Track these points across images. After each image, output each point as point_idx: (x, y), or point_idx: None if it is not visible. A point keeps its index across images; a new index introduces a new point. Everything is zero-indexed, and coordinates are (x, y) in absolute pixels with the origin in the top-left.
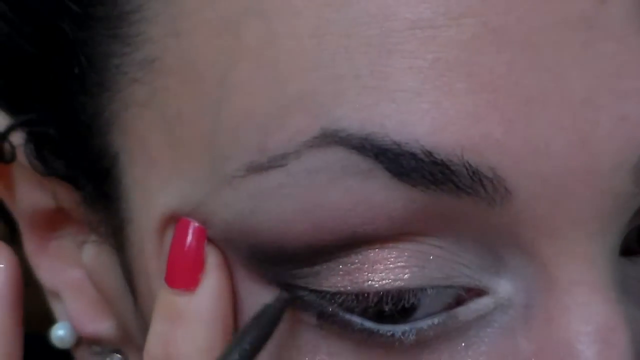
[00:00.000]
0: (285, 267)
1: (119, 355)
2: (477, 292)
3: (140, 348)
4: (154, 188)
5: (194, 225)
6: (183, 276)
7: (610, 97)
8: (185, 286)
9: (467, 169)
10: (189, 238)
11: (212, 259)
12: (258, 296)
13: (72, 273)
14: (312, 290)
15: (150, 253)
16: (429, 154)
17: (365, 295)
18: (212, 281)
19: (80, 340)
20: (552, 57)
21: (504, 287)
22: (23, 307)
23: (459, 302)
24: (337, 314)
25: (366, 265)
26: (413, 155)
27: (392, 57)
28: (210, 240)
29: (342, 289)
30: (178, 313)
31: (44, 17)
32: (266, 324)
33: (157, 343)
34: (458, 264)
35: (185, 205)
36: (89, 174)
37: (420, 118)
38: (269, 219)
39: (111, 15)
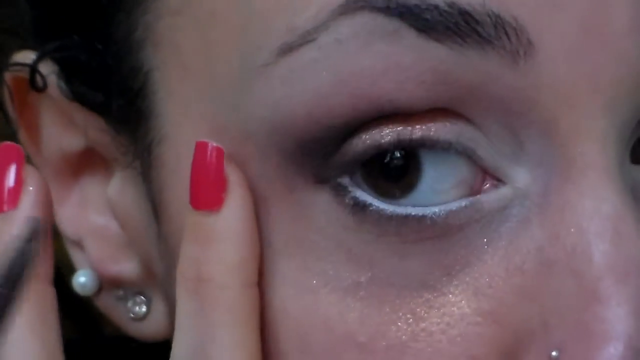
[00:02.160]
0: (330, 152)
1: (142, 297)
2: (496, 178)
3: (163, 284)
4: (190, 99)
5: (211, 145)
6: (207, 197)
7: None
8: (209, 207)
9: (490, 17)
10: (209, 159)
11: (234, 177)
12: (309, 202)
13: (96, 219)
14: (349, 160)
15: (190, 167)
16: (453, 4)
17: (402, 142)
18: (235, 199)
19: (102, 287)
20: None
21: (522, 176)
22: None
23: (479, 188)
24: (371, 204)
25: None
26: (436, 8)
27: None
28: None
29: (378, 140)
30: (206, 234)
31: None
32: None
33: (190, 265)
34: (483, 146)
35: (225, 112)
36: (120, 95)
37: None
38: (306, 98)
39: None
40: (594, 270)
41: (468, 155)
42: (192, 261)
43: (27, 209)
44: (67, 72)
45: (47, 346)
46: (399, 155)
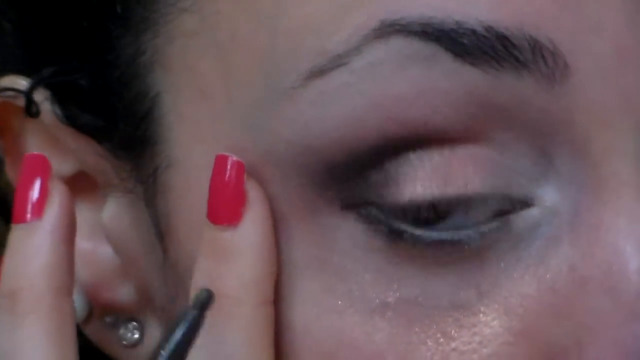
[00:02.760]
0: (360, 176)
1: (135, 323)
2: (525, 203)
3: (161, 310)
4: (204, 122)
5: (232, 159)
6: (225, 211)
7: None
8: (228, 221)
9: (527, 41)
10: (229, 172)
11: (254, 192)
12: (333, 226)
13: (84, 244)
14: (384, 205)
15: (201, 190)
16: (490, 28)
17: (440, 202)
18: (254, 214)
19: (92, 313)
20: None
21: (550, 195)
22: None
23: (509, 212)
24: (406, 231)
25: (440, 172)
26: (474, 32)
27: None
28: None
29: (414, 196)
30: (223, 249)
31: None
32: (188, 330)
33: (204, 280)
34: (515, 172)
35: (244, 134)
36: (124, 120)
37: None
38: (337, 121)
39: None
40: (632, 288)
41: (502, 197)
42: (207, 276)
43: (51, 220)
44: (63, 98)
45: (63, 358)
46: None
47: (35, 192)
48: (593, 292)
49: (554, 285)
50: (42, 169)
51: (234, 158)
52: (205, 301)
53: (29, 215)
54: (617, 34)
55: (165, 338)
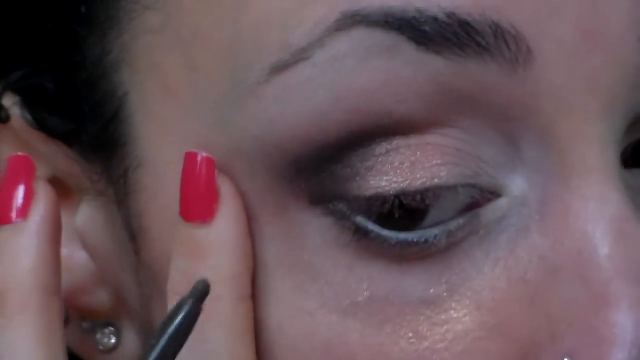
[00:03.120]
0: (326, 169)
1: (111, 328)
2: (493, 193)
3: (135, 313)
4: (172, 120)
5: (201, 155)
6: (198, 208)
7: None
8: (201, 218)
9: (489, 26)
10: (199, 169)
11: (226, 188)
12: (303, 221)
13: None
14: (349, 199)
15: (172, 189)
16: (452, 14)
17: (405, 194)
18: (228, 210)
19: (68, 319)
20: None
21: (518, 184)
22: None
23: (477, 204)
24: (372, 230)
25: (405, 164)
26: (435, 19)
27: None
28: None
29: (380, 190)
30: (198, 246)
31: None
32: (184, 320)
33: (181, 278)
34: (481, 161)
35: (212, 131)
36: (92, 121)
37: None
38: (302, 116)
39: None
40: (603, 274)
41: (470, 187)
42: (183, 274)
43: (37, 221)
44: (32, 102)
45: (53, 357)
46: (401, 210)
47: (20, 193)
48: (564, 280)
49: (525, 276)
50: (26, 170)
51: (204, 154)
52: (202, 291)
53: (14, 216)
54: (580, 16)
55: (162, 328)
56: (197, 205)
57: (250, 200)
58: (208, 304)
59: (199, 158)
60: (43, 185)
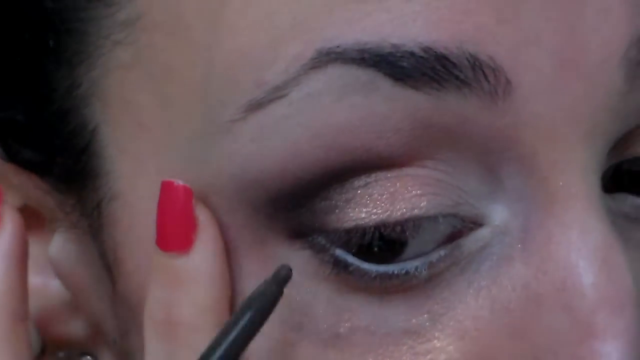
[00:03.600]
0: (305, 205)
1: (88, 357)
2: (475, 222)
3: (112, 342)
4: (145, 155)
5: (178, 184)
6: (175, 238)
7: None
8: (179, 248)
9: (467, 59)
10: (176, 198)
11: (203, 217)
12: (281, 256)
13: (34, 280)
14: (329, 232)
15: (148, 222)
16: (429, 49)
17: (385, 226)
18: (206, 239)
19: (45, 349)
20: None
21: (500, 213)
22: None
23: (458, 234)
24: (352, 264)
25: (385, 196)
26: (412, 54)
27: None
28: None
29: (360, 222)
30: (176, 276)
31: None
32: (264, 303)
33: (159, 308)
34: (462, 191)
35: (185, 167)
36: (63, 154)
37: (414, 19)
38: (279, 154)
39: None
40: (587, 303)
41: (451, 217)
42: (161, 304)
43: (4, 246)
44: (2, 134)
45: None
46: (380, 242)
47: None
48: (548, 310)
49: (509, 305)
50: None
51: (181, 183)
52: (285, 277)
53: None
54: (558, 45)
55: (242, 312)
56: (175, 235)
57: (228, 234)
58: (185, 334)
59: (176, 187)
60: (9, 211)
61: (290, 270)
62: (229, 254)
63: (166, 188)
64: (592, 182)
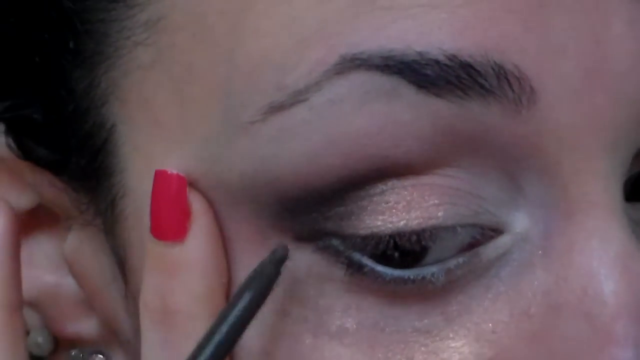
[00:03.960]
0: (317, 210)
1: (100, 356)
2: (495, 230)
3: (127, 343)
4: (160, 153)
5: (172, 173)
6: (170, 227)
7: (619, 2)
8: (173, 237)
9: (492, 68)
10: (169, 187)
11: (198, 206)
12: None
13: (47, 278)
14: (343, 237)
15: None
16: (454, 57)
17: (400, 235)
18: (200, 228)
19: (57, 346)
20: None
21: (520, 221)
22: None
23: (478, 243)
24: (366, 265)
25: (401, 204)
26: (437, 62)
27: None
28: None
29: (375, 229)
30: (171, 264)
31: None
32: (262, 284)
33: (154, 296)
34: (482, 199)
35: (198, 165)
36: (80, 152)
37: (439, 27)
38: (295, 158)
39: None
40: (608, 311)
41: (470, 227)
42: (156, 292)
43: None
44: (19, 132)
45: None
46: (395, 251)
47: None
48: (569, 317)
49: (528, 311)
50: None
51: (174, 171)
52: (281, 257)
53: None
54: (583, 54)
55: (240, 293)
56: (168, 223)
57: (227, 226)
58: (181, 322)
59: (169, 175)
60: (2, 203)
61: (287, 250)
62: (227, 245)
63: (159, 177)
64: (614, 190)
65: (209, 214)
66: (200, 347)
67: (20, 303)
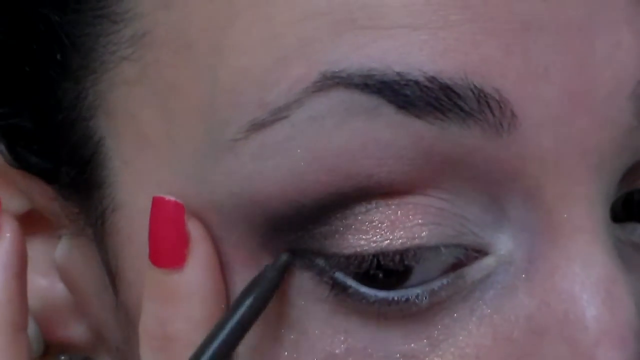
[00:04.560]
0: (303, 228)
1: None
2: (479, 251)
3: (115, 349)
4: (147, 168)
5: (169, 200)
6: (168, 255)
7: (604, 24)
8: (172, 265)
9: (472, 91)
10: (167, 214)
11: (196, 232)
12: None
13: (39, 281)
14: (327, 255)
15: (145, 236)
16: (433, 79)
17: (384, 254)
18: (199, 255)
19: (48, 350)
20: None
21: (504, 243)
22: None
23: (462, 263)
24: (350, 286)
25: (385, 224)
26: (417, 83)
27: None
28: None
29: (358, 249)
30: (170, 292)
31: (23, 5)
32: (263, 290)
33: (153, 323)
34: (466, 220)
35: (188, 183)
36: (69, 163)
37: (420, 48)
38: (279, 175)
39: None
40: (589, 336)
41: (454, 247)
42: (156, 319)
43: (3, 256)
44: (10, 139)
45: None
46: (378, 270)
47: None
48: (551, 342)
49: (511, 335)
50: None
51: (172, 199)
52: (284, 263)
53: None
54: (567, 78)
55: (242, 297)
56: (167, 251)
57: (222, 250)
58: (180, 349)
59: (166, 202)
60: (9, 220)
61: (291, 256)
62: (222, 269)
63: (157, 204)
64: (599, 214)
65: (207, 240)
66: (199, 352)
67: (25, 324)
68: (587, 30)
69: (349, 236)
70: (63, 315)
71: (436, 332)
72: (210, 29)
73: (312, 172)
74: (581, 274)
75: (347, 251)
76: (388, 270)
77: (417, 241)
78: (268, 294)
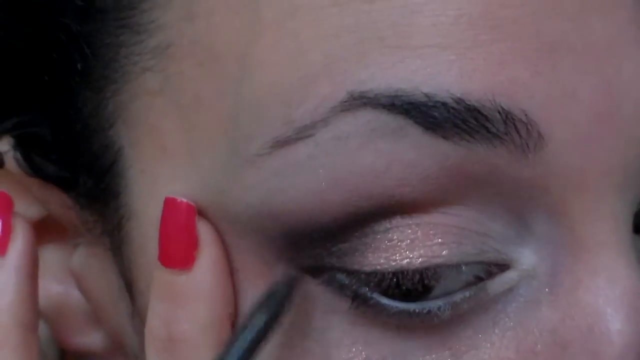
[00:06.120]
0: (322, 246)
1: None
2: (501, 266)
3: (134, 357)
4: (165, 178)
5: (182, 202)
6: (178, 255)
7: (630, 44)
8: (181, 265)
9: (500, 113)
10: (179, 215)
11: (206, 235)
12: None
13: (55, 288)
14: (347, 272)
15: (157, 244)
16: (461, 100)
17: (404, 273)
18: (208, 257)
19: (63, 357)
20: (573, 6)
21: (527, 257)
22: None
23: (483, 278)
24: (371, 297)
25: (405, 243)
26: (444, 105)
27: (415, 16)
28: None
29: (378, 267)
30: (177, 293)
31: (45, 14)
32: (275, 305)
33: (159, 323)
34: (488, 238)
35: (204, 194)
36: (87, 172)
37: (448, 69)
38: (301, 193)
39: (120, 5)
40: (613, 350)
41: (475, 265)
42: (162, 320)
43: (15, 257)
44: (28, 148)
45: None
46: (397, 290)
47: None
48: (575, 355)
49: (535, 348)
50: (4, 206)
51: (184, 200)
52: (295, 277)
53: None
54: (594, 99)
55: (253, 313)
56: (176, 252)
57: (233, 256)
58: (185, 351)
59: (178, 204)
60: (21, 222)
61: (301, 273)
62: (233, 275)
63: (169, 205)
64: (623, 229)
65: (217, 244)
66: None
67: (35, 325)
68: (614, 50)
69: (368, 254)
70: (79, 322)
71: (459, 343)
72: (235, 42)
73: (333, 192)
74: (605, 288)
75: (367, 269)
76: (407, 289)
77: (437, 260)
78: (279, 311)
